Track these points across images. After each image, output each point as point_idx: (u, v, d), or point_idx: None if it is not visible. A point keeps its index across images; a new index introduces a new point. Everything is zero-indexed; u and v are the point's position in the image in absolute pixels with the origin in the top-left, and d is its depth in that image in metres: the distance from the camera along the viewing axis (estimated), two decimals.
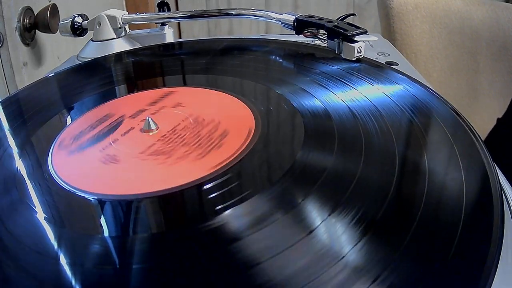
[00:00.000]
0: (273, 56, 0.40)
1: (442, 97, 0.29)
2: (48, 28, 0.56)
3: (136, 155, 0.26)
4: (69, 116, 0.32)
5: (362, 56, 0.36)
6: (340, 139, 0.25)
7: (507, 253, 0.18)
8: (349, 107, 0.28)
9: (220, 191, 0.22)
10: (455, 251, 0.17)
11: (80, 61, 0.47)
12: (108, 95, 0.35)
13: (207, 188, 0.22)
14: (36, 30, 0.59)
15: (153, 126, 0.28)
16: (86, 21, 0.50)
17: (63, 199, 0.23)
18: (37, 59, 0.61)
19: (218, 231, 0.19)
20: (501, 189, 0.21)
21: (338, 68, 0.34)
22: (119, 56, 0.44)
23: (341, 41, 0.37)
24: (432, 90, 0.30)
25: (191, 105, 0.31)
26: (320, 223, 0.19)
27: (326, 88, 0.31)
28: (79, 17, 0.50)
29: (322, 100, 0.29)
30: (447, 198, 0.21)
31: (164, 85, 0.37)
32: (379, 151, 0.24)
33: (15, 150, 0.28)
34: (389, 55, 0.43)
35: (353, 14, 0.47)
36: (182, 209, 0.22)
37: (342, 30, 0.36)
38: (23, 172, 0.26)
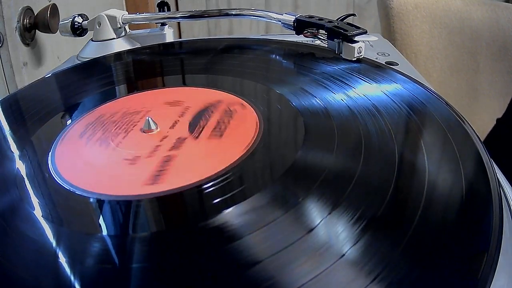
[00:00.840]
0: (274, 56, 0.40)
1: (441, 97, 0.29)
2: (48, 28, 0.56)
3: (136, 155, 0.26)
4: (69, 116, 0.32)
5: (362, 56, 0.36)
6: (340, 138, 0.25)
7: (506, 253, 0.18)
8: (349, 107, 0.28)
9: (221, 191, 0.22)
10: (454, 250, 0.17)
11: (80, 61, 0.47)
12: (108, 95, 0.35)
13: (207, 188, 0.22)
14: (36, 30, 0.59)
15: (153, 126, 0.28)
16: (86, 21, 0.50)
17: (63, 199, 0.23)
18: (37, 59, 0.61)
19: (218, 230, 0.19)
20: (501, 189, 0.21)
21: (338, 68, 0.34)
22: (118, 55, 0.44)
23: (341, 41, 0.37)
24: (432, 90, 0.30)
25: (189, 102, 0.31)
26: (320, 222, 0.19)
27: (326, 88, 0.31)
28: (79, 17, 0.50)
29: (322, 100, 0.29)
30: (447, 197, 0.21)
31: (164, 85, 0.37)
32: (379, 151, 0.24)
33: (15, 150, 0.28)
34: (389, 55, 0.43)
35: (353, 14, 0.47)
36: (182, 209, 0.22)
37: (342, 30, 0.36)
38: (23, 172, 0.26)
